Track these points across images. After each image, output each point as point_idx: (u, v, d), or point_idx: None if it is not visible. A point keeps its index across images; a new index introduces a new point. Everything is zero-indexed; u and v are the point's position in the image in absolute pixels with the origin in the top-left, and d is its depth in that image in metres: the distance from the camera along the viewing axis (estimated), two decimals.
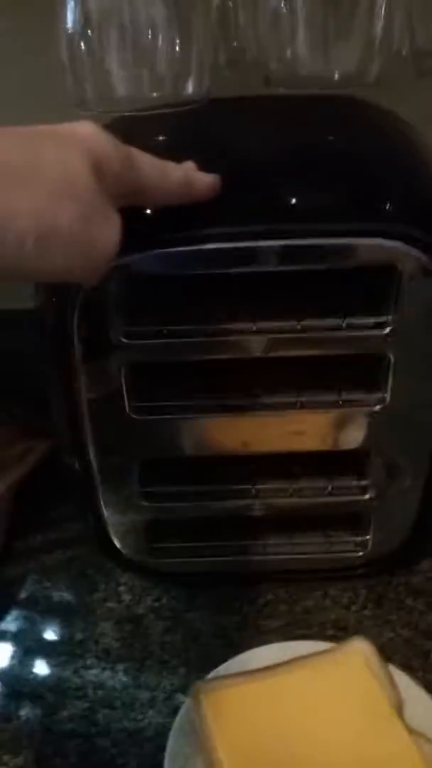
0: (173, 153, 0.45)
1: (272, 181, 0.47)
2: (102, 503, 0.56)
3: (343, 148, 0.52)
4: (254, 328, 0.47)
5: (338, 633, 0.57)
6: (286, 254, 0.45)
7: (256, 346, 0.48)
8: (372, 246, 0.44)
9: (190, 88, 0.53)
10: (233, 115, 0.56)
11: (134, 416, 0.51)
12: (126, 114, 0.51)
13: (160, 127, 0.55)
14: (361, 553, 0.58)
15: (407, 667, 0.54)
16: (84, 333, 0.47)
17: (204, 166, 0.46)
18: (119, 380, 0.49)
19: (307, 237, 0.44)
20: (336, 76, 0.52)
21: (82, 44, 0.48)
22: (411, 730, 0.47)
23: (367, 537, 0.58)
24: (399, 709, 0.48)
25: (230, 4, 0.58)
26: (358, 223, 0.44)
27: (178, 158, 0.44)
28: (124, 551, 0.59)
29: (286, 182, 0.47)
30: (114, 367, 0.49)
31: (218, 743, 0.46)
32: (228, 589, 0.61)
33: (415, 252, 0.43)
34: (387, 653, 0.54)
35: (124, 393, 0.50)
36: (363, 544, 0.58)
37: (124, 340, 0.48)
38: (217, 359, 0.49)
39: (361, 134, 0.55)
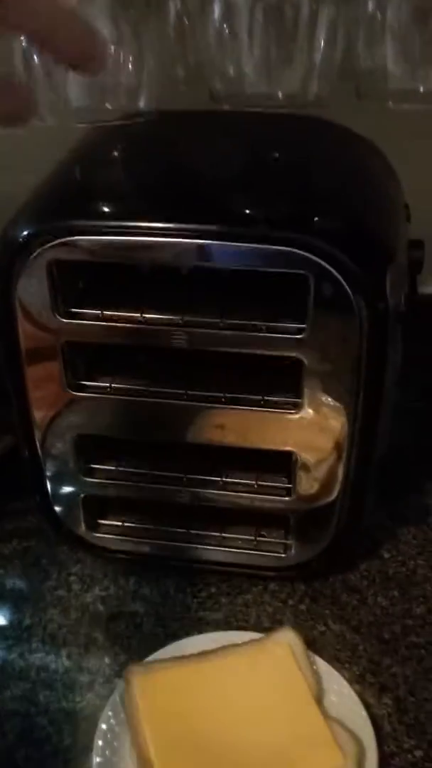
0: (126, 160, 0.53)
1: (207, 188, 0.52)
2: (46, 477, 0.60)
3: (285, 164, 0.55)
4: (181, 321, 0.51)
5: (274, 625, 0.59)
6: (203, 253, 0.48)
7: (183, 338, 0.51)
8: (276, 252, 0.47)
9: (142, 101, 0.56)
10: (185, 127, 0.60)
11: (71, 392, 0.55)
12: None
13: (118, 138, 0.58)
14: (284, 555, 0.61)
15: (335, 659, 0.56)
16: (27, 312, 0.52)
17: (152, 171, 0.52)
18: (59, 358, 0.53)
19: (217, 239, 0.48)
20: (279, 95, 0.54)
21: (35, 57, 0.51)
22: (329, 717, 0.49)
23: (289, 541, 0.60)
24: (319, 696, 0.51)
25: (186, 22, 0.61)
26: (268, 230, 0.47)
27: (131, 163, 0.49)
28: (66, 525, 0.63)
29: (220, 190, 0.51)
30: (53, 344, 0.53)
31: (144, 722, 0.49)
32: (173, 581, 0.64)
33: (319, 261, 0.46)
34: (317, 646, 0.57)
35: (62, 370, 0.54)
36: (286, 547, 0.61)
37: (64, 320, 0.52)
38: (149, 347, 0.53)
39: (308, 152, 0.58)
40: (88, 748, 0.50)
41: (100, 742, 0.49)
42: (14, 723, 0.53)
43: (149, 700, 0.50)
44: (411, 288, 0.59)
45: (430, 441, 0.78)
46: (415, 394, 0.73)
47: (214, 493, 0.60)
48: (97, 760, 0.48)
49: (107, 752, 0.48)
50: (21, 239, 0.49)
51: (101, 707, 0.52)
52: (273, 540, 0.62)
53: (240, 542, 0.63)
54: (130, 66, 0.55)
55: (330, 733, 0.47)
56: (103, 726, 0.50)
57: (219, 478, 0.60)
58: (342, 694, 0.51)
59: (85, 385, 0.56)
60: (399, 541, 0.68)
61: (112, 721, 0.50)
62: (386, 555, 0.66)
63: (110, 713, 0.51)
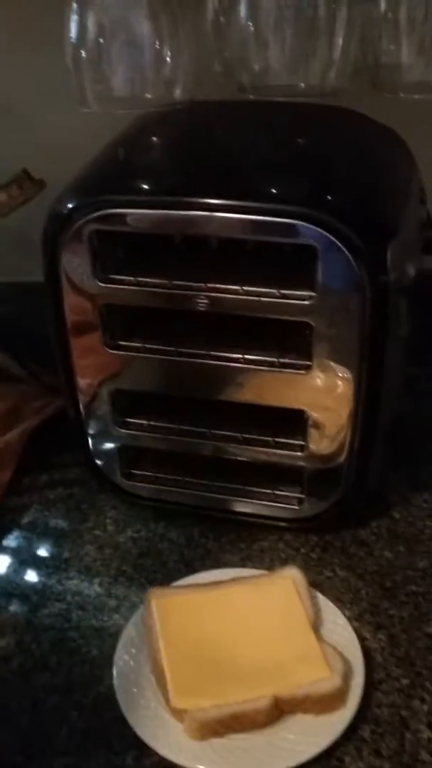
0: (162, 144, 0.61)
1: (233, 168, 0.58)
2: (87, 431, 0.68)
3: (306, 148, 0.61)
4: (205, 287, 0.57)
5: None
6: (227, 225, 0.55)
7: (206, 302, 0.58)
8: (288, 225, 0.53)
9: (178, 92, 0.62)
10: (216, 115, 0.66)
11: (109, 351, 0.62)
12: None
13: (156, 124, 0.65)
14: (297, 507, 0.67)
15: (338, 600, 0.62)
16: (70, 279, 0.59)
17: (184, 153, 0.59)
18: (98, 320, 0.60)
19: (239, 213, 0.54)
20: (301, 86, 0.60)
21: (83, 52, 0.58)
22: (323, 641, 0.55)
23: (302, 495, 0.66)
24: (316, 624, 0.57)
25: (222, 20, 0.67)
26: (279, 205, 0.53)
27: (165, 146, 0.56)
28: (105, 474, 0.70)
29: (244, 170, 0.58)
30: (94, 307, 0.60)
31: (160, 636, 0.55)
32: (197, 528, 0.70)
33: (326, 234, 0.52)
34: (323, 587, 0.63)
35: (101, 330, 0.61)
36: (300, 501, 0.67)
37: (103, 285, 0.59)
38: (178, 312, 0.59)
39: (330, 138, 0.64)
40: (111, 659, 0.57)
41: (121, 650, 0.56)
42: (50, 635, 0.61)
43: (165, 618, 0.57)
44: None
45: None
46: None
47: (235, 447, 0.66)
48: (119, 663, 0.55)
49: (126, 658, 0.56)
50: (65, 212, 0.57)
51: (125, 627, 0.60)
52: (288, 494, 0.68)
53: (259, 494, 0.69)
54: (168, 59, 0.62)
55: (321, 651, 0.53)
56: (125, 638, 0.57)
57: (239, 434, 0.66)
58: (337, 624, 0.57)
59: (121, 344, 0.63)
60: (411, 504, 0.72)
61: (132, 634, 0.57)
62: (397, 515, 0.71)
63: (132, 629, 0.58)
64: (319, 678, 0.51)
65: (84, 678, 0.57)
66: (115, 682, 0.55)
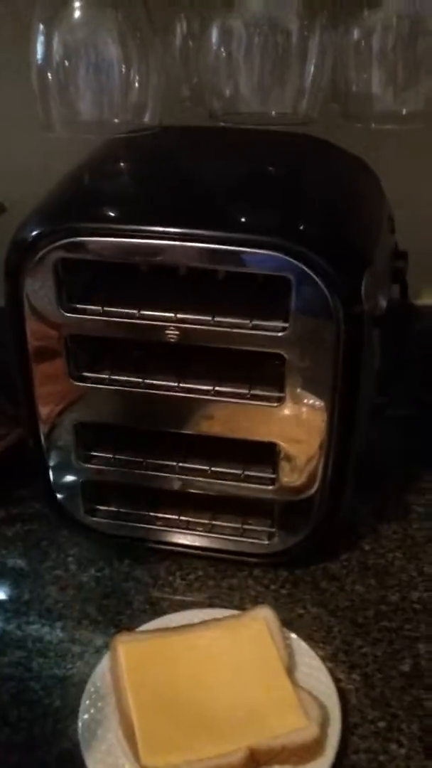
0: (130, 170, 0.59)
1: (204, 197, 0.57)
2: (49, 465, 0.65)
3: (277, 176, 0.60)
4: (175, 317, 0.55)
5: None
6: (197, 255, 0.53)
7: (176, 333, 0.56)
8: (262, 256, 0.52)
9: (147, 116, 0.61)
10: (186, 141, 0.65)
11: (74, 383, 0.60)
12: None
13: (124, 150, 0.64)
14: (267, 542, 0.65)
15: (310, 638, 0.60)
16: (34, 308, 0.57)
17: (153, 180, 0.57)
18: (63, 350, 0.58)
19: (210, 243, 0.53)
20: (272, 113, 0.59)
21: (49, 75, 0.56)
22: (298, 686, 0.53)
23: (273, 529, 0.64)
24: (290, 668, 0.55)
25: (191, 44, 0.66)
26: (251, 235, 0.52)
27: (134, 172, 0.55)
28: (66, 510, 0.67)
29: (215, 199, 0.56)
30: (58, 338, 0.58)
31: (128, 685, 0.53)
32: (164, 565, 0.68)
33: (300, 265, 0.51)
34: (295, 626, 0.61)
35: (66, 362, 0.59)
36: (270, 535, 0.65)
37: (68, 315, 0.57)
38: (146, 343, 0.57)
39: (299, 167, 0.63)
40: (76, 711, 0.54)
41: (87, 702, 0.53)
42: (9, 686, 0.57)
43: (133, 665, 0.54)
44: (401, 296, 0.64)
45: (413, 445, 0.82)
46: (401, 401, 0.78)
47: (203, 481, 0.64)
48: (83, 717, 0.52)
49: (92, 711, 0.53)
50: (29, 239, 0.54)
51: (89, 675, 0.56)
52: (258, 528, 0.66)
53: (227, 529, 0.67)
54: (137, 84, 0.60)
55: (297, 699, 0.51)
56: (91, 688, 0.54)
57: (208, 467, 0.64)
58: (312, 667, 0.55)
59: (86, 375, 0.61)
60: (380, 536, 0.71)
61: (98, 684, 0.54)
62: (367, 547, 0.70)
63: (97, 678, 0.55)
64: (296, 727, 0.49)
65: (47, 733, 0.54)
66: (81, 737, 0.51)
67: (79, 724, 0.52)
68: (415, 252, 0.66)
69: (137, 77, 0.60)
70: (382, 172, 0.66)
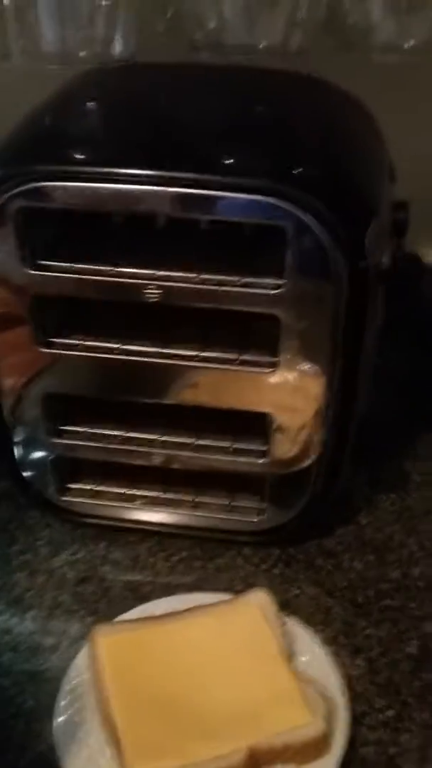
0: (102, 108, 0.51)
1: (184, 137, 0.50)
2: (13, 439, 0.59)
3: (267, 116, 0.54)
4: (155, 275, 0.49)
5: (246, 589, 0.58)
6: (177, 202, 0.47)
7: (156, 292, 0.50)
8: (253, 202, 0.46)
9: (117, 48, 0.54)
10: (164, 78, 0.58)
11: (40, 349, 0.53)
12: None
13: (95, 86, 0.57)
14: (257, 519, 0.60)
15: (309, 622, 0.55)
16: None
17: (127, 119, 0.51)
18: (28, 313, 0.52)
19: (192, 187, 0.46)
20: (261, 45, 0.53)
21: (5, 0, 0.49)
22: (299, 676, 0.48)
23: (263, 505, 0.59)
24: (290, 656, 0.50)
25: None
26: (239, 179, 0.46)
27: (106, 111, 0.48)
28: (35, 488, 0.62)
29: (196, 139, 0.50)
30: (22, 299, 0.51)
31: (109, 682, 0.47)
32: (144, 546, 0.63)
33: (297, 212, 0.45)
34: (291, 608, 0.56)
35: (31, 325, 0.52)
36: (260, 511, 0.60)
37: (32, 273, 0.50)
38: (123, 304, 0.51)
39: (291, 107, 0.57)
40: (50, 710, 0.49)
41: (63, 702, 0.48)
42: None
43: (115, 660, 0.49)
44: (396, 249, 0.58)
45: (409, 408, 0.77)
46: (395, 360, 0.73)
47: (187, 455, 0.59)
48: (59, 719, 0.47)
49: (70, 712, 0.47)
50: None
51: (65, 669, 0.51)
52: (247, 504, 0.61)
53: (214, 506, 0.62)
54: (104, 11, 0.53)
55: (299, 692, 0.46)
56: (67, 687, 0.49)
57: (193, 441, 0.58)
58: (314, 654, 0.50)
59: (54, 342, 0.55)
60: (377, 508, 0.67)
61: (75, 681, 0.49)
62: (363, 521, 0.66)
63: (75, 674, 0.50)
64: (300, 723, 0.45)
65: (19, 736, 0.48)
66: (57, 742, 0.46)
67: (55, 725, 0.47)
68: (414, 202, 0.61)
69: (106, 7, 0.53)
70: (383, 113, 0.60)
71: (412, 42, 0.52)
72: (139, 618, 0.53)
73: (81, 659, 0.51)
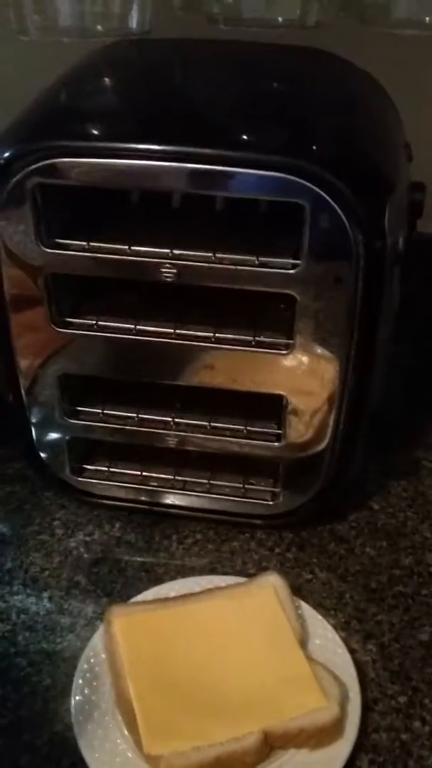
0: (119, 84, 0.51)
1: (201, 113, 0.49)
2: (30, 420, 0.58)
3: (283, 93, 0.53)
4: (171, 254, 0.49)
5: (259, 572, 0.58)
6: (194, 178, 0.46)
7: (172, 272, 0.49)
8: (270, 178, 0.45)
9: (133, 23, 0.53)
10: (183, 54, 0.57)
11: (56, 329, 0.53)
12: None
13: (112, 63, 0.56)
14: (271, 503, 0.60)
15: (321, 606, 0.55)
16: (9, 243, 0.49)
17: (146, 96, 0.50)
18: (43, 292, 0.51)
19: (209, 163, 0.45)
20: (279, 19, 0.52)
21: None
22: (313, 660, 0.48)
23: (277, 488, 0.59)
24: (303, 640, 0.50)
25: None
26: (257, 154, 0.45)
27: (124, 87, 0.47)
28: (51, 469, 0.61)
29: (214, 115, 0.49)
30: (38, 277, 0.51)
31: (125, 663, 0.48)
32: (159, 528, 0.63)
33: (315, 189, 0.44)
34: (303, 592, 0.56)
35: (47, 305, 0.52)
36: (274, 495, 0.60)
37: (48, 251, 0.49)
38: (138, 284, 0.51)
39: (308, 84, 0.56)
40: (67, 689, 0.49)
41: (80, 681, 0.48)
42: None
43: (130, 641, 0.49)
44: (410, 231, 0.57)
45: (421, 393, 0.76)
46: (409, 345, 0.72)
47: (202, 437, 0.58)
48: (76, 698, 0.47)
49: (87, 691, 0.48)
50: (2, 162, 0.47)
51: (82, 649, 0.51)
52: (261, 488, 0.61)
53: (228, 489, 0.61)
54: None
55: (313, 675, 0.46)
56: (84, 666, 0.49)
57: (208, 423, 0.58)
58: (326, 639, 0.50)
59: (70, 321, 0.54)
60: (389, 494, 0.67)
61: (92, 661, 0.49)
62: (376, 506, 0.65)
63: (91, 654, 0.50)
64: (315, 707, 0.44)
65: (36, 715, 0.49)
66: (74, 719, 0.46)
67: (72, 704, 0.47)
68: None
69: None
70: (401, 91, 0.59)
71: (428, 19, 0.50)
72: (154, 599, 0.53)
73: (97, 639, 0.51)
